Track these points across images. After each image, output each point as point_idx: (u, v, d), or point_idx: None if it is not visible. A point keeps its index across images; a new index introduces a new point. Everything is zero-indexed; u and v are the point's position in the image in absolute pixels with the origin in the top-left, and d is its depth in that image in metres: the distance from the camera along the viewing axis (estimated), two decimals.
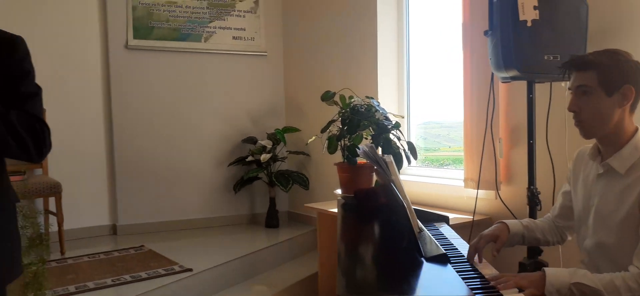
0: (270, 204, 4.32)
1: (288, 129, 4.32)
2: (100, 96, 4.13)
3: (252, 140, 4.40)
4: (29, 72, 1.45)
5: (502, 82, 2.41)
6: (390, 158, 1.92)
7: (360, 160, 2.66)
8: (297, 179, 4.23)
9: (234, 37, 4.43)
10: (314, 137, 2.92)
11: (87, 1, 4.05)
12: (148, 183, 4.20)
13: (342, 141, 2.64)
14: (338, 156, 2.80)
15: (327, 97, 2.65)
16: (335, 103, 2.68)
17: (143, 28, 4.15)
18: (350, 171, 2.64)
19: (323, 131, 2.67)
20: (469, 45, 2.91)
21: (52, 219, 3.59)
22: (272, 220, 4.30)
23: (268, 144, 4.22)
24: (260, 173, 4.22)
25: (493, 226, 1.78)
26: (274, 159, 4.22)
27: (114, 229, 4.18)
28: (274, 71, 4.61)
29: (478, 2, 2.79)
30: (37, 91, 1.45)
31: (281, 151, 4.31)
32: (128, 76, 4.13)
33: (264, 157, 4.10)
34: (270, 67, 4.59)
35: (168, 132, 4.26)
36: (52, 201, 3.68)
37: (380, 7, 3.66)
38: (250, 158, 4.24)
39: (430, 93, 3.71)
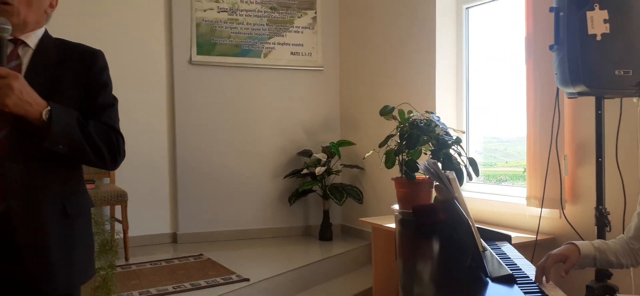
0: (324, 217, 4.35)
1: (342, 143, 4.35)
2: (165, 109, 4.32)
3: (307, 153, 4.46)
4: (107, 84, 1.54)
5: (568, 97, 2.34)
6: (452, 174, 1.89)
7: (419, 175, 2.64)
8: (351, 193, 4.24)
9: (291, 53, 4.53)
10: (371, 152, 2.93)
11: (155, 20, 4.28)
12: (207, 193, 4.33)
13: (400, 156, 2.63)
14: (395, 171, 2.79)
15: (386, 112, 2.66)
16: (394, 118, 2.68)
17: (206, 44, 4.32)
18: (408, 186, 2.62)
19: (381, 145, 2.67)
20: (532, 59, 2.83)
21: (118, 226, 3.77)
22: (325, 233, 4.32)
23: (323, 157, 4.27)
24: (315, 185, 4.27)
25: (562, 247, 1.72)
26: (328, 172, 4.25)
27: (174, 238, 4.33)
28: (330, 85, 4.67)
29: (542, 15, 2.72)
30: (113, 102, 1.54)
31: (335, 164, 4.34)
32: (191, 90, 4.30)
33: (319, 170, 4.15)
34: (326, 81, 4.65)
35: (227, 145, 4.39)
36: (118, 208, 3.88)
37: (439, 21, 3.64)
38: (305, 171, 4.29)
39: (488, 107, 3.64)
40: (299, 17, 4.55)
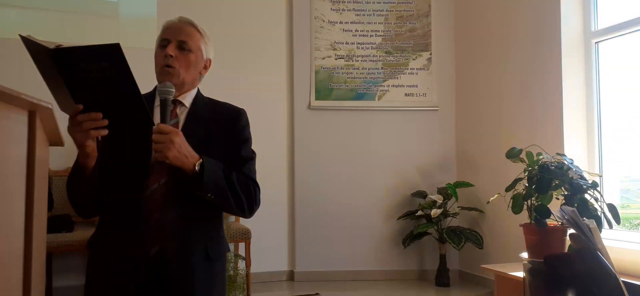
0: (441, 262, 4.21)
1: (460, 184, 4.22)
2: (285, 151, 4.55)
3: (421, 194, 4.39)
4: (248, 139, 1.68)
5: None
6: (593, 224, 1.76)
7: (550, 221, 2.48)
8: (470, 237, 4.07)
9: (406, 94, 4.56)
10: (496, 196, 2.81)
11: (278, 70, 4.57)
12: (324, 233, 4.43)
13: (529, 201, 2.49)
14: (522, 217, 2.65)
15: (513, 154, 2.55)
16: (521, 160, 2.56)
17: (324, 90, 4.52)
18: (538, 233, 2.46)
19: (508, 189, 2.56)
20: None
21: (241, 263, 3.97)
22: (442, 278, 4.18)
23: (439, 199, 4.17)
24: (430, 228, 4.17)
25: None
26: (445, 214, 4.14)
27: (291, 275, 4.46)
28: (445, 125, 4.59)
29: None
30: (253, 156, 1.68)
31: (452, 206, 4.22)
32: (309, 133, 4.49)
33: (435, 212, 4.05)
34: (441, 121, 4.59)
35: (343, 185, 4.48)
36: (241, 245, 4.09)
37: (566, 58, 3.45)
38: (420, 213, 4.22)
39: (623, 146, 3.33)
40: (413, 59, 4.58)
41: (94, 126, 1.32)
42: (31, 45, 1.23)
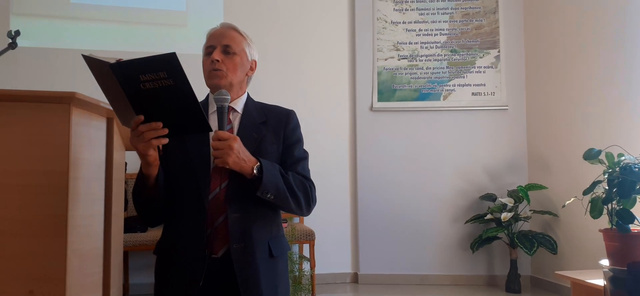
0: (511, 267, 4.04)
1: (532, 187, 4.03)
2: (347, 153, 4.54)
3: (490, 197, 4.23)
4: (300, 139, 1.70)
5: None
6: None
7: (634, 227, 2.31)
8: (543, 242, 3.87)
9: (473, 93, 4.42)
10: (572, 199, 2.65)
11: (340, 70, 4.58)
12: (387, 236, 4.38)
13: (610, 205, 2.33)
14: (601, 221, 2.48)
15: (591, 155, 2.39)
16: (601, 162, 2.40)
17: (386, 91, 4.47)
18: (620, 239, 2.30)
19: (586, 192, 2.40)
20: None
21: (305, 264, 4.00)
22: (513, 284, 4.01)
23: (509, 202, 4.00)
24: (500, 232, 4.01)
25: None
26: (516, 218, 3.97)
27: (355, 278, 4.45)
28: (515, 125, 4.41)
29: None
30: (306, 156, 1.70)
31: (524, 209, 4.04)
32: (371, 135, 4.45)
33: (505, 216, 3.89)
34: (511, 121, 4.41)
35: (407, 187, 4.41)
36: (306, 247, 4.13)
37: None
38: (489, 216, 4.07)
39: None
40: (480, 57, 4.44)
41: (155, 136, 1.37)
42: (94, 62, 1.30)
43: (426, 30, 4.49)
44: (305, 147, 1.72)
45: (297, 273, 3.72)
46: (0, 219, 1.54)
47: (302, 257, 4.19)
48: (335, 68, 4.57)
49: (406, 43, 4.49)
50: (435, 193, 4.39)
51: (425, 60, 4.47)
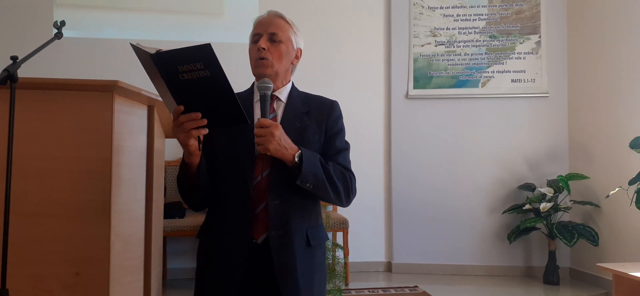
0: (550, 259, 3.94)
1: (573, 176, 3.91)
2: (382, 141, 4.51)
3: (529, 187, 4.13)
4: (342, 130, 1.70)
5: None
6: None
7: None
8: (584, 233, 3.76)
9: (512, 80, 4.31)
10: (616, 189, 2.57)
11: (375, 57, 4.54)
12: (422, 225, 4.34)
13: None
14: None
15: (637, 144, 2.31)
16: None
17: (423, 78, 4.41)
18: None
19: (632, 182, 2.32)
20: None
21: (339, 252, 4.01)
22: (551, 276, 3.92)
23: (549, 192, 3.90)
24: (539, 223, 3.91)
25: None
26: (556, 208, 3.86)
27: (389, 267, 4.44)
28: (556, 112, 4.28)
29: None
30: (347, 147, 1.70)
31: (564, 200, 3.92)
32: (407, 123, 4.41)
33: (544, 206, 3.80)
34: (552, 108, 4.28)
35: (442, 176, 4.35)
36: (339, 235, 4.14)
37: None
38: (527, 206, 3.98)
39: None
40: (520, 43, 4.31)
41: (195, 126, 1.39)
42: (139, 52, 1.33)
43: (464, 15, 4.39)
44: None
45: (331, 261, 3.75)
46: (50, 204, 1.61)
47: (335, 245, 4.21)
48: (371, 55, 4.53)
49: (443, 29, 4.40)
50: (472, 183, 4.32)
51: (463, 46, 4.38)
